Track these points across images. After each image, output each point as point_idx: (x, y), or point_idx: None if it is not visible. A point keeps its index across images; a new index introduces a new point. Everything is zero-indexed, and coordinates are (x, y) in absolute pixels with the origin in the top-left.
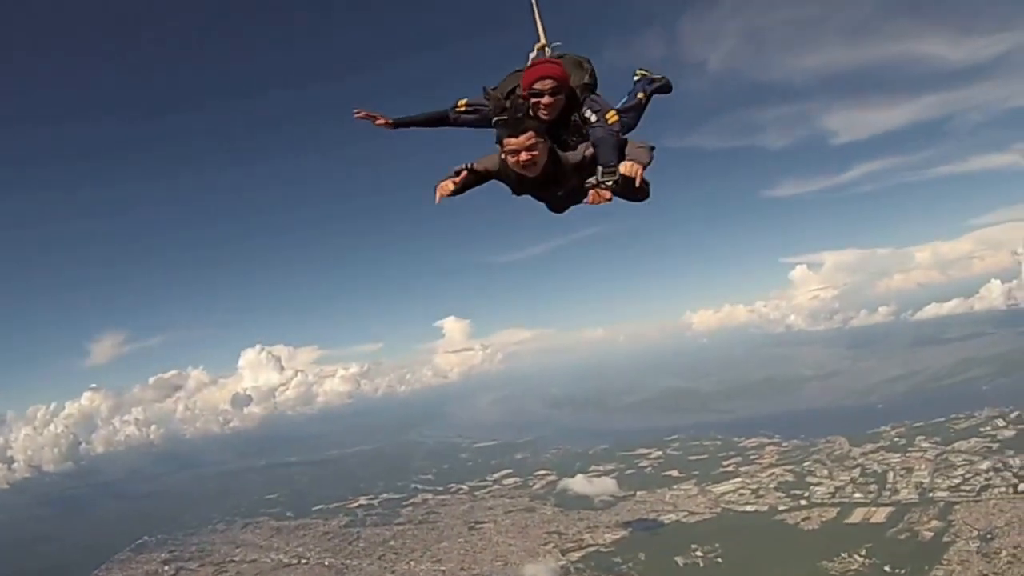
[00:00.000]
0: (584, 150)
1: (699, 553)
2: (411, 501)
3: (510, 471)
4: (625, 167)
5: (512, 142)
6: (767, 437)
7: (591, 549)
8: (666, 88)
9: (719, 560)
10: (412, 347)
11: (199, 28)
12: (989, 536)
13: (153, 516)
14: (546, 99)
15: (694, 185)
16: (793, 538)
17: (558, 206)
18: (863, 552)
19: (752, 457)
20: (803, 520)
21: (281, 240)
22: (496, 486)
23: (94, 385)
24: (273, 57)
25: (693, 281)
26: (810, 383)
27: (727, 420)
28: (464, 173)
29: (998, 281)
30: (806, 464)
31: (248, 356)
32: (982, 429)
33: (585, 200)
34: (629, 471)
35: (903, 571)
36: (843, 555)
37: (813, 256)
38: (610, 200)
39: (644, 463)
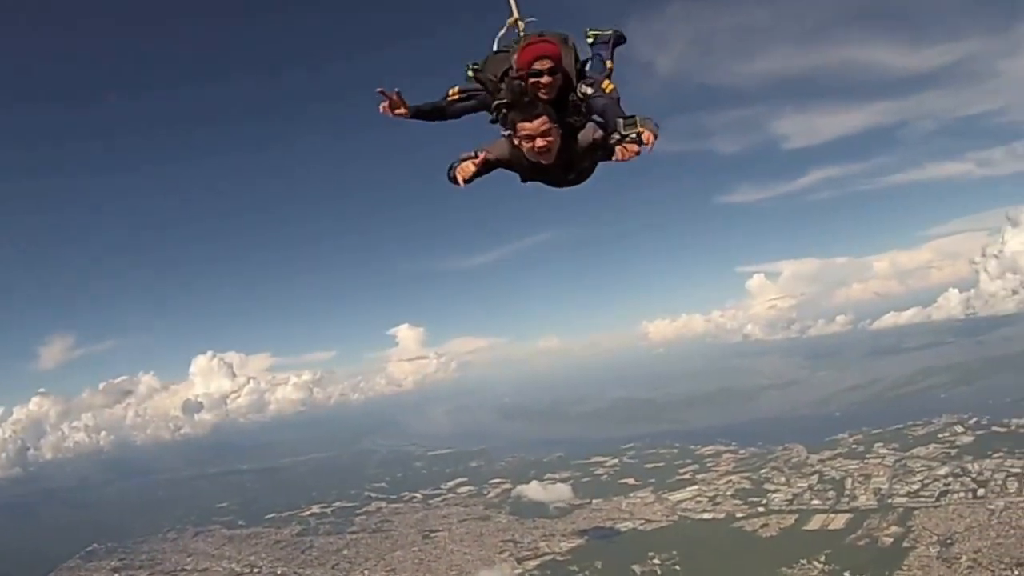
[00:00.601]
0: (593, 132)
1: (656, 561)
2: (364, 509)
3: (464, 479)
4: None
5: (527, 127)
6: (724, 445)
7: (547, 557)
8: (621, 40)
9: (676, 568)
10: (365, 355)
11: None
12: (949, 541)
13: (103, 524)
14: (545, 79)
15: (647, 190)
16: (751, 545)
17: (568, 183)
18: (822, 559)
19: (709, 465)
20: (761, 527)
21: (233, 246)
22: (450, 494)
23: (43, 390)
24: (226, 47)
25: (649, 291)
26: (767, 392)
27: (683, 429)
28: (483, 155)
29: (956, 291)
30: (763, 471)
31: (200, 362)
32: (940, 435)
33: (613, 158)
34: (585, 479)
35: None
36: (802, 562)
37: (770, 265)
38: (639, 154)
39: (600, 471)
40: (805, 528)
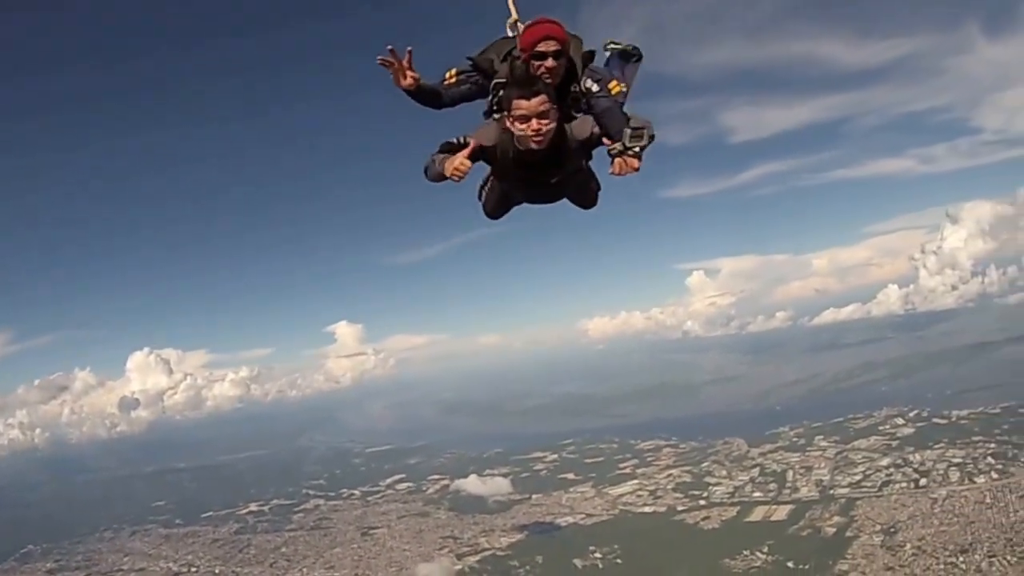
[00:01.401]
0: (592, 126)
1: (598, 555)
2: (302, 507)
3: (403, 476)
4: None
5: (523, 105)
6: (664, 440)
7: (487, 553)
8: (638, 56)
9: (619, 561)
10: (303, 352)
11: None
12: (893, 530)
13: (38, 524)
14: (549, 62)
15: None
16: (693, 537)
17: (548, 195)
18: (765, 549)
19: (649, 459)
20: (703, 520)
21: (171, 242)
22: (389, 491)
23: None
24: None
25: (589, 288)
26: (707, 388)
27: (623, 424)
28: (473, 144)
29: (895, 286)
30: (704, 465)
31: (136, 359)
32: (881, 428)
33: (609, 171)
34: (524, 474)
35: (807, 567)
36: (745, 552)
37: (710, 262)
38: (637, 170)
39: (539, 466)
40: (747, 520)
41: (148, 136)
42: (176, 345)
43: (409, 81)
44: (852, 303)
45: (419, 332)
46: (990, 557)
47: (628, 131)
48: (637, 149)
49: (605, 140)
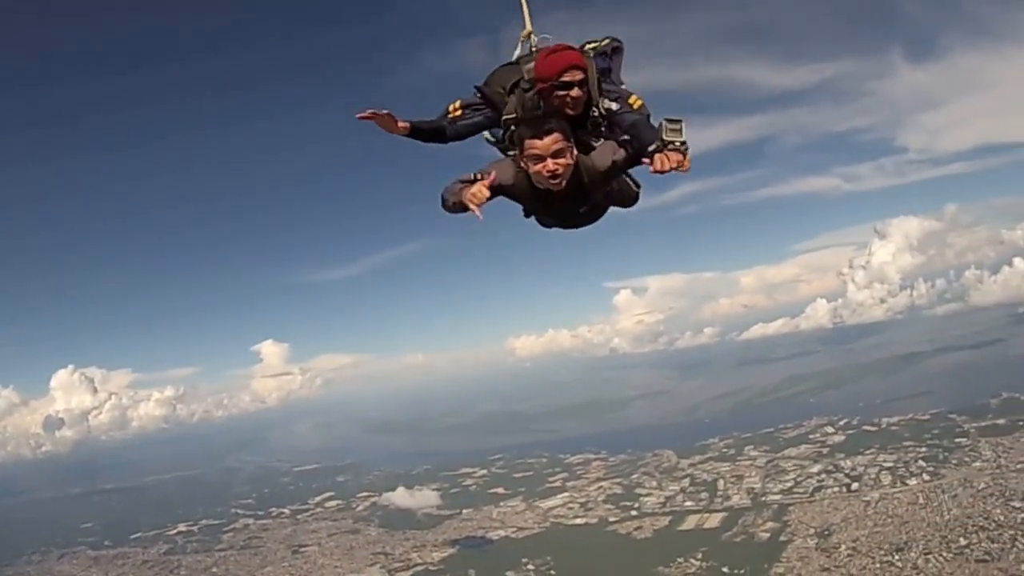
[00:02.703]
0: (612, 152)
1: (531, 566)
2: (232, 526)
3: (332, 494)
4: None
5: (536, 145)
6: (594, 453)
7: (419, 568)
8: (619, 48)
9: (552, 572)
10: (229, 371)
11: None
12: (827, 532)
13: None
14: (575, 92)
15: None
16: (627, 547)
17: (577, 222)
18: (699, 556)
19: (579, 472)
20: (635, 530)
21: (95, 258)
22: (319, 509)
23: None
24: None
25: (516, 306)
26: (636, 403)
27: (552, 439)
28: (493, 175)
29: (824, 300)
30: (634, 477)
31: (60, 377)
32: (811, 436)
33: (650, 168)
34: (453, 490)
35: (742, 571)
36: (679, 560)
37: (637, 281)
38: (682, 165)
39: (468, 482)
40: (680, 529)
41: (71, 153)
42: (100, 363)
43: (401, 128)
44: (780, 318)
45: (345, 351)
46: (926, 554)
47: (665, 124)
48: (678, 143)
49: (644, 159)
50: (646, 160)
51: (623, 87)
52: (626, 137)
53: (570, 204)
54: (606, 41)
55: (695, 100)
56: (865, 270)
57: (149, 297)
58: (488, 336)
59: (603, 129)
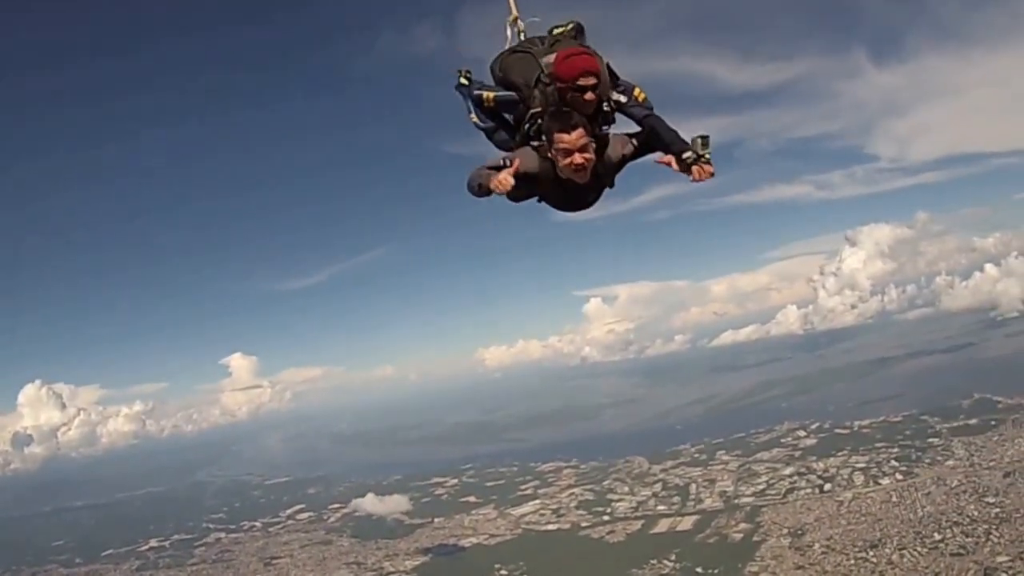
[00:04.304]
0: (622, 146)
1: (504, 572)
2: (204, 541)
3: (303, 506)
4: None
5: (565, 139)
6: (564, 461)
7: None
8: (582, 30)
9: None
10: (198, 386)
11: None
12: (800, 532)
13: None
14: (589, 95)
15: (481, 205)
16: (600, 551)
17: (585, 206)
18: (673, 557)
19: (550, 480)
20: (608, 534)
21: (60, 273)
22: (290, 521)
23: None
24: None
25: (486, 316)
26: (606, 410)
27: (523, 448)
28: (517, 163)
29: (794, 307)
30: (606, 483)
31: (28, 392)
32: (783, 440)
33: (691, 179)
34: (425, 499)
35: (716, 571)
36: (653, 562)
37: (607, 289)
38: (713, 175)
39: (440, 491)
40: (653, 532)
41: (33, 161)
42: (68, 379)
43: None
44: (751, 325)
45: (314, 364)
46: (900, 550)
47: (699, 140)
48: (708, 156)
49: (661, 157)
50: (662, 160)
51: (627, 80)
52: (639, 129)
53: (585, 192)
54: (571, 26)
55: (653, 95)
56: (836, 276)
57: (115, 312)
58: (458, 347)
59: (613, 120)
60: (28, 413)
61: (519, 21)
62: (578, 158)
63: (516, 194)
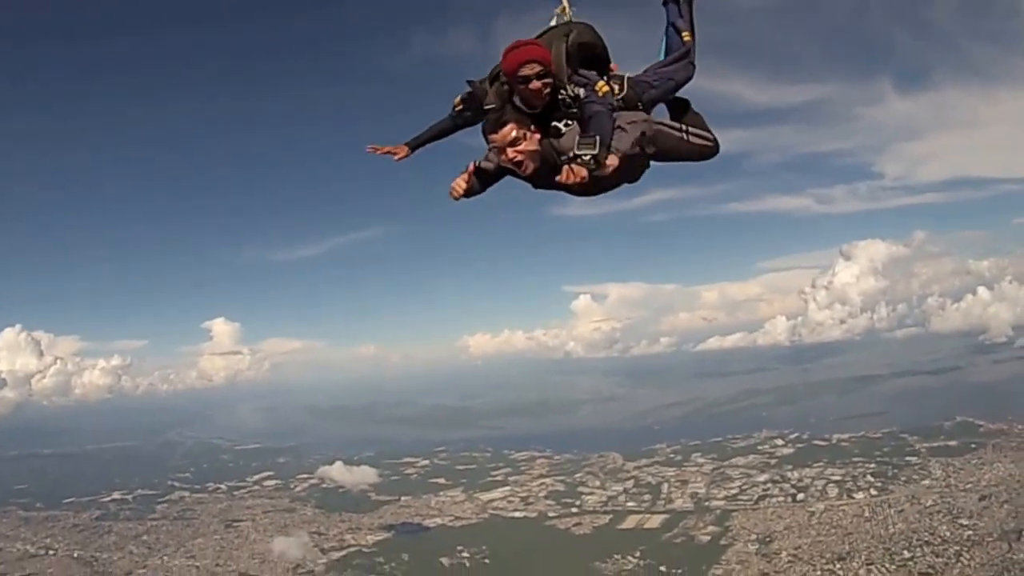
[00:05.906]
0: (574, 138)
1: (465, 554)
2: (167, 498)
3: (271, 474)
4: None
5: (494, 138)
6: (538, 451)
7: (352, 549)
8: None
9: (486, 561)
10: (178, 348)
11: None
12: (768, 539)
13: None
14: (535, 84)
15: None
16: (564, 541)
17: (599, 190)
18: (637, 554)
19: (522, 468)
20: (574, 526)
21: (49, 222)
22: (256, 487)
23: None
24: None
25: (474, 302)
26: (585, 406)
27: (498, 435)
28: (472, 166)
29: (783, 318)
30: (578, 475)
31: (7, 336)
32: (760, 447)
33: (557, 177)
34: (394, 477)
35: (680, 571)
36: (616, 557)
37: (598, 287)
38: (585, 180)
39: (410, 471)
40: (619, 527)
41: (26, 119)
42: (48, 328)
43: (402, 155)
44: (738, 332)
45: (296, 336)
46: (868, 565)
47: (578, 139)
48: (587, 157)
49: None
50: (562, 159)
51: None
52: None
53: (546, 183)
54: (558, 27)
55: None
56: (827, 290)
57: (102, 266)
58: (443, 331)
59: (575, 112)
60: (4, 357)
61: (567, 11)
62: (511, 153)
63: (535, 180)
